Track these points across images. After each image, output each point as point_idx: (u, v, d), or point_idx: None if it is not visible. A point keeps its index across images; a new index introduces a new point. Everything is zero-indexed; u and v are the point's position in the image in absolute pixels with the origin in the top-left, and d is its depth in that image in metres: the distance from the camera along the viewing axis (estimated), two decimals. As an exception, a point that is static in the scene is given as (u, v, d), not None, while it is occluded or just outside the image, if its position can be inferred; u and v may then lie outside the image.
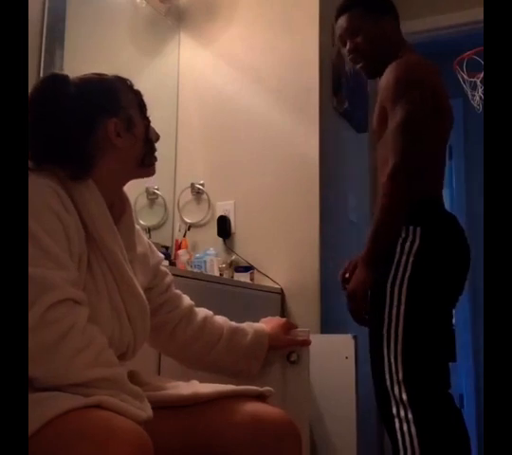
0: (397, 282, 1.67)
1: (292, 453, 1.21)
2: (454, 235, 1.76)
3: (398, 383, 1.63)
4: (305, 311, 2.33)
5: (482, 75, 3.23)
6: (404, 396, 1.61)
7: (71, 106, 1.17)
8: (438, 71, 1.85)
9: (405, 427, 1.60)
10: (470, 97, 3.32)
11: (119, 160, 1.21)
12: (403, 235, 1.70)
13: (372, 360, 1.72)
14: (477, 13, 2.76)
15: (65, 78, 1.21)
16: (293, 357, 1.48)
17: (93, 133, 1.18)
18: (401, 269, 1.68)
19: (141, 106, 1.26)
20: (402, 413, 1.60)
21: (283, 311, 2.37)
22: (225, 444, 1.17)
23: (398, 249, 1.69)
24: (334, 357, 1.85)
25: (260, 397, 1.26)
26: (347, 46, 1.91)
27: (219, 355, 1.41)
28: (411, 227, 1.70)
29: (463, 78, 3.24)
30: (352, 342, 1.82)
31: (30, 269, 0.98)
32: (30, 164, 1.13)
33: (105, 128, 1.19)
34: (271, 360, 1.47)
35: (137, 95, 1.27)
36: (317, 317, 2.31)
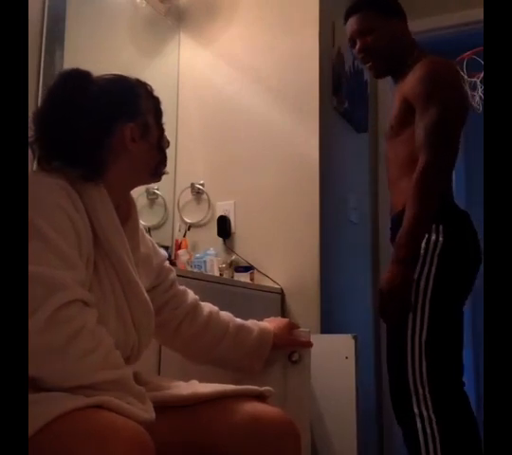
0: (423, 281, 1.68)
1: (292, 453, 1.21)
2: (471, 231, 1.77)
3: (422, 382, 1.64)
4: (305, 311, 2.33)
5: (482, 75, 3.23)
6: (428, 395, 1.63)
7: (90, 105, 1.16)
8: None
9: (428, 430, 1.60)
10: (470, 97, 3.32)
11: (131, 166, 1.21)
12: (426, 233, 1.71)
13: (391, 358, 1.72)
14: (477, 13, 2.76)
15: (88, 75, 1.20)
16: (295, 357, 1.48)
17: (108, 136, 1.17)
18: (426, 268, 1.69)
19: (158, 113, 1.26)
20: (425, 413, 1.61)
21: (283, 311, 2.36)
22: (224, 443, 1.17)
23: (423, 248, 1.70)
24: (334, 357, 1.85)
25: (260, 397, 1.26)
26: (357, 46, 1.92)
27: (224, 351, 1.41)
28: (433, 226, 1.71)
29: (463, 78, 3.24)
30: (352, 342, 1.82)
31: (40, 268, 0.98)
32: (42, 162, 1.13)
33: (121, 132, 1.18)
34: (273, 359, 1.48)
35: (156, 101, 1.26)
36: (317, 317, 2.31)
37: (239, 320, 1.46)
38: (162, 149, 1.26)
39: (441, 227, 1.71)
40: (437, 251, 1.69)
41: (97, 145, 1.16)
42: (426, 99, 1.74)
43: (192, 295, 1.44)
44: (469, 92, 3.31)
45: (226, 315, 1.46)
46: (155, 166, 1.24)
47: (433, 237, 1.71)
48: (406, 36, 1.94)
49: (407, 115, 1.79)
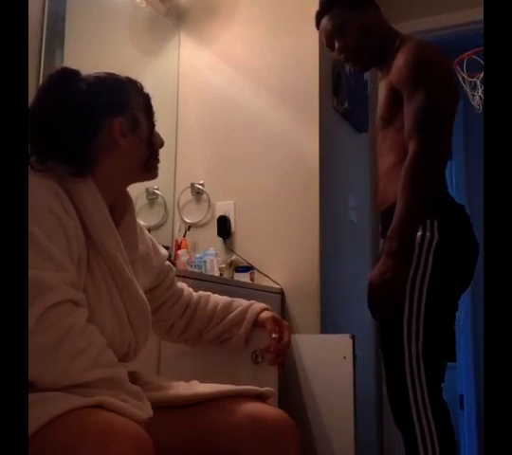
0: (418, 282, 1.61)
1: (292, 453, 1.21)
2: (467, 226, 1.71)
3: (421, 386, 1.59)
4: (305, 311, 2.33)
5: (482, 75, 3.23)
6: (427, 400, 1.59)
7: (79, 103, 1.17)
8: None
9: (427, 434, 1.57)
10: (470, 97, 3.32)
11: (122, 161, 1.21)
12: (420, 230, 1.63)
13: (388, 363, 1.67)
14: (477, 13, 2.76)
15: (76, 73, 1.21)
16: (258, 358, 1.48)
17: (98, 131, 1.18)
18: (421, 268, 1.62)
19: (148, 110, 1.26)
20: (424, 418, 1.58)
21: (283, 311, 2.36)
22: (225, 443, 1.17)
23: (417, 245, 1.62)
24: (332, 357, 1.84)
25: (260, 397, 1.26)
26: (336, 46, 1.88)
27: (211, 334, 1.47)
28: (427, 221, 1.64)
29: (463, 78, 3.24)
30: (349, 342, 1.81)
31: (29, 271, 0.98)
32: (33, 161, 1.13)
33: (111, 127, 1.18)
34: (240, 363, 1.49)
35: (146, 98, 1.27)
36: (316, 317, 2.31)
37: (228, 300, 1.50)
38: (152, 144, 1.26)
39: (436, 223, 1.64)
40: (432, 249, 1.62)
41: (87, 141, 1.17)
42: (412, 82, 1.68)
43: (186, 290, 1.48)
44: (469, 92, 3.31)
45: (215, 298, 1.50)
46: (144, 161, 1.24)
47: (428, 234, 1.63)
48: (381, 25, 1.88)
49: (396, 102, 1.72)
